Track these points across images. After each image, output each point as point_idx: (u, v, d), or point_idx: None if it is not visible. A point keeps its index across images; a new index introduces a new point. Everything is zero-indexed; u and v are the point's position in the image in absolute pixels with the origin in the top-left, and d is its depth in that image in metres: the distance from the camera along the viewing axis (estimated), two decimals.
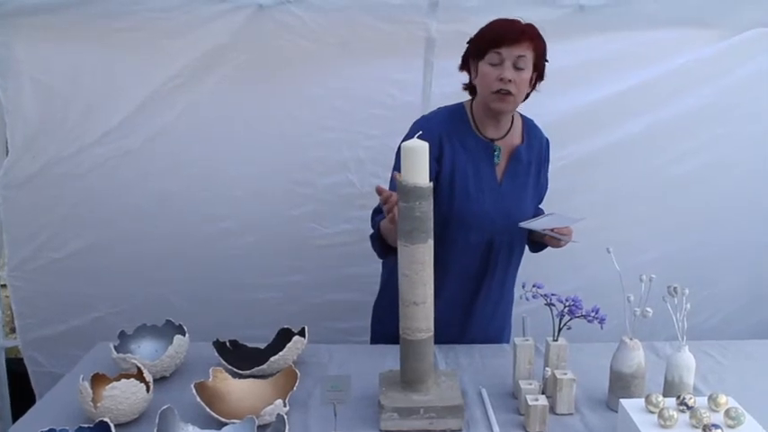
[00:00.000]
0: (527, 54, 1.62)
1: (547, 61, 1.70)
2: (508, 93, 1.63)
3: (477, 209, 1.72)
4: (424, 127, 1.68)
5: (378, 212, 1.76)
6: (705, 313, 2.44)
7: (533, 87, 1.72)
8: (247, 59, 2.10)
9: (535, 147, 1.81)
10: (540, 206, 1.91)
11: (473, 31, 1.69)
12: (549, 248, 2.14)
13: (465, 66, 1.74)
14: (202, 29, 2.05)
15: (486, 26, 1.67)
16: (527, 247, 1.89)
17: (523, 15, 1.73)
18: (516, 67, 1.61)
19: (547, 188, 1.90)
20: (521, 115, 1.82)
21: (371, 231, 1.76)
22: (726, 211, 2.38)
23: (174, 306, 2.27)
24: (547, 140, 1.85)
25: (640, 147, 2.27)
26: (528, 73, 1.64)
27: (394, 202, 1.44)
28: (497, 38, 1.62)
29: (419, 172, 1.37)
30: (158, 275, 2.33)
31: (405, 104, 2.14)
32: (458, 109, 1.77)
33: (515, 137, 1.78)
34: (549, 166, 1.88)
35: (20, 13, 2.03)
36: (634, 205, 2.33)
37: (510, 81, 1.61)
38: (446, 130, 1.71)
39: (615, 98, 2.20)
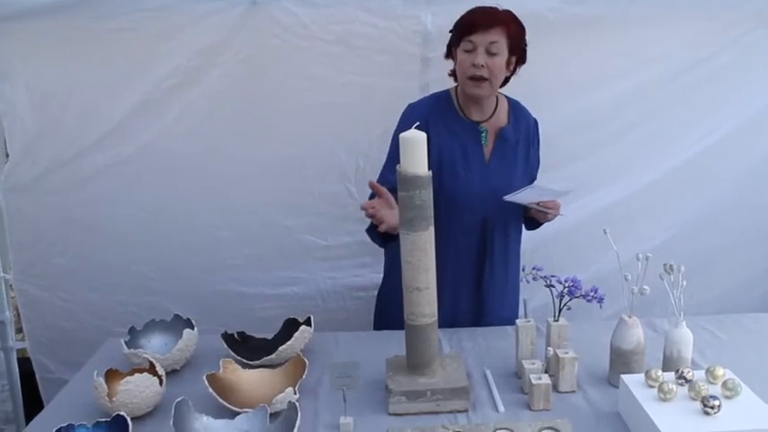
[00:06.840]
0: (500, 40, 1.67)
1: (526, 45, 1.74)
2: (482, 78, 1.69)
3: (465, 188, 1.76)
4: (411, 113, 1.74)
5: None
6: (711, 294, 2.43)
7: (513, 72, 1.76)
8: (241, 60, 2.09)
9: (522, 127, 1.84)
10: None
11: None
12: (554, 241, 2.15)
13: (450, 54, 1.80)
14: (195, 27, 2.06)
15: (463, 15, 1.73)
16: (524, 226, 1.91)
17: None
18: (489, 53, 1.67)
19: (538, 167, 1.92)
20: (506, 97, 1.86)
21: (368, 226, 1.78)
22: (732, 195, 2.38)
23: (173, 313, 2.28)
24: (535, 120, 1.88)
25: (651, 136, 2.26)
26: (502, 58, 1.69)
27: (377, 208, 1.54)
28: (470, 26, 1.69)
29: (418, 161, 1.40)
30: (157, 284, 2.33)
31: (403, 101, 2.12)
32: (444, 94, 1.84)
33: (501, 118, 1.83)
34: (541, 147, 1.90)
35: (13, 18, 2.03)
36: (642, 194, 2.32)
37: (483, 66, 1.67)
38: (432, 115, 1.76)
39: (624, 93, 2.19)
